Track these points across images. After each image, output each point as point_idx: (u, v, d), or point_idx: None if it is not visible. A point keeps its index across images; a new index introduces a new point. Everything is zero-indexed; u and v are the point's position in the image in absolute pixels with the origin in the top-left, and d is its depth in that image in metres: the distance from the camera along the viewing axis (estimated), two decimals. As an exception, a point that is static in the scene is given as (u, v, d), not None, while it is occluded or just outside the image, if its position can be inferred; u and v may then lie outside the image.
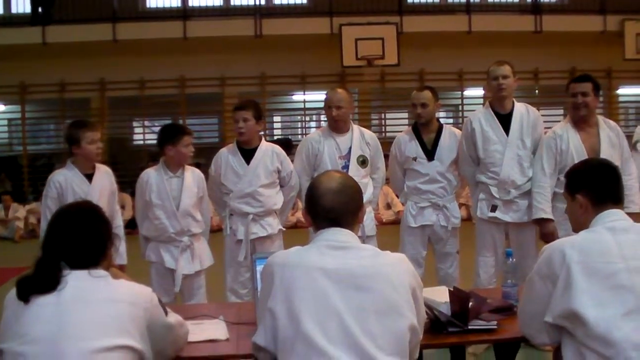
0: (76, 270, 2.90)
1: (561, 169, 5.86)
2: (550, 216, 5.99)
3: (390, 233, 7.41)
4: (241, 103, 6.50)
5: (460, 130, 6.65)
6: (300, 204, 11.77)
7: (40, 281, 2.85)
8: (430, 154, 6.53)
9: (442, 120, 6.84)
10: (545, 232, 6.06)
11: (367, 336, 2.78)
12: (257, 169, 6.31)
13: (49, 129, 21.79)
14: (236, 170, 6.32)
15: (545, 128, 6.40)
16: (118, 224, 6.06)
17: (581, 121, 6.04)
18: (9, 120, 20.53)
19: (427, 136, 6.58)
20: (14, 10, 19.13)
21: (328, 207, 3.02)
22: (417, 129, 6.62)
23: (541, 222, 6.09)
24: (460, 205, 15.37)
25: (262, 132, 6.63)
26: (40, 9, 17.71)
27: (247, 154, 6.33)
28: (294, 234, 6.86)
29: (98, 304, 2.83)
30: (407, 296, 2.91)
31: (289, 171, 6.50)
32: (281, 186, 6.51)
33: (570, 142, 6.00)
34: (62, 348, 2.71)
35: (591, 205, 3.25)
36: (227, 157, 6.38)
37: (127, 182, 13.01)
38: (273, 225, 6.42)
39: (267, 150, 6.38)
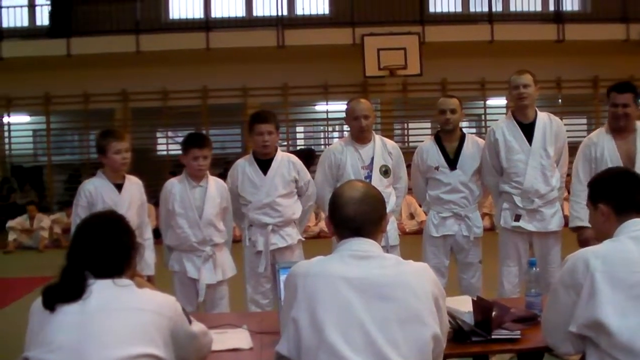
0: (101, 279, 2.91)
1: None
2: (586, 224, 5.96)
3: (413, 243, 7.39)
4: (264, 115, 6.39)
5: (483, 139, 6.63)
6: (323, 214, 11.79)
7: (65, 290, 2.87)
8: (452, 163, 6.52)
9: (464, 130, 6.82)
10: (582, 239, 6.01)
11: (391, 345, 2.78)
12: (275, 179, 6.29)
13: (73, 139, 21.94)
14: (253, 181, 6.31)
15: (569, 137, 6.38)
16: (147, 237, 6.08)
17: (621, 130, 5.99)
18: (34, 131, 20.68)
19: (449, 145, 6.56)
20: (38, 23, 19.26)
21: (351, 216, 3.03)
22: (440, 138, 6.61)
23: (578, 229, 6.05)
24: (484, 215, 15.31)
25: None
26: (60, 21, 17.86)
27: (264, 164, 6.32)
28: (316, 244, 6.87)
29: (122, 312, 2.85)
30: (430, 305, 2.90)
31: (306, 180, 6.49)
32: (299, 196, 6.49)
33: (605, 148, 5.95)
34: (87, 356, 2.72)
35: (614, 215, 3.24)
36: (244, 168, 6.36)
37: (150, 192, 13.10)
38: (292, 235, 6.40)
39: (283, 160, 6.37)
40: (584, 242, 5.89)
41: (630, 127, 6.00)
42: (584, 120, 16.90)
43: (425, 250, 6.65)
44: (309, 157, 15.54)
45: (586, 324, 2.99)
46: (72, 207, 6.01)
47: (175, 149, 17.06)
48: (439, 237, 6.56)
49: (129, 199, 5.91)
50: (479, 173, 6.55)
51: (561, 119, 6.47)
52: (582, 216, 5.95)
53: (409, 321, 2.83)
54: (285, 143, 19.42)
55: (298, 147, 19.88)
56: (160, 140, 21.12)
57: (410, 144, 18.27)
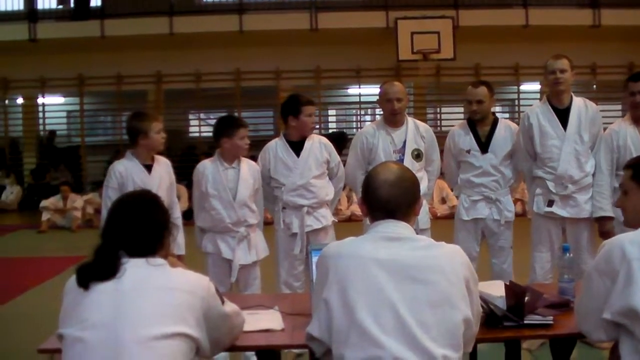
0: (134, 258, 2.93)
1: (619, 165, 5.79)
2: (610, 214, 5.93)
3: (444, 227, 7.36)
4: (310, 98, 6.51)
5: (517, 124, 6.59)
6: (355, 197, 11.79)
7: (99, 268, 2.89)
8: (484, 146, 6.48)
9: (497, 115, 6.77)
10: (604, 230, 6.01)
11: (421, 327, 2.78)
12: (308, 161, 6.31)
13: (106, 120, 22.10)
14: (287, 163, 6.32)
15: (604, 124, 6.32)
16: (176, 215, 6.10)
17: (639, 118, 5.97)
18: (68, 112, 20.89)
19: (482, 129, 6.52)
20: (72, 5, 19.38)
21: (385, 198, 3.03)
22: (472, 122, 6.57)
23: (601, 220, 6.03)
24: (516, 200, 15.23)
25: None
26: (84, 3, 18.03)
27: (296, 146, 6.34)
28: (348, 227, 6.86)
29: (156, 291, 2.87)
30: (461, 288, 2.90)
31: (336, 162, 6.52)
32: (330, 178, 6.51)
33: (628, 137, 5.95)
34: (120, 334, 2.74)
35: None
36: (276, 151, 6.38)
37: (183, 174, 13.18)
38: (327, 216, 6.43)
39: (315, 142, 6.39)
40: (606, 234, 5.88)
41: None
42: (619, 107, 16.67)
43: (456, 234, 6.63)
44: (341, 141, 15.57)
45: (621, 311, 2.96)
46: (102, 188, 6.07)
47: (208, 131, 17.08)
48: (470, 220, 6.54)
49: (159, 179, 5.96)
50: (511, 157, 6.51)
51: (596, 104, 6.41)
52: (604, 206, 5.96)
53: (440, 304, 2.83)
54: (318, 126, 19.42)
55: (330, 131, 19.88)
56: (193, 122, 21.22)
57: (443, 129, 18.19)
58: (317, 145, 6.38)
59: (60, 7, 18.70)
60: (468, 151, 6.51)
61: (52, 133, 20.56)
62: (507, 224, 6.52)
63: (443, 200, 15.43)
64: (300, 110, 6.27)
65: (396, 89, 6.43)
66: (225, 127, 6.03)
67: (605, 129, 6.20)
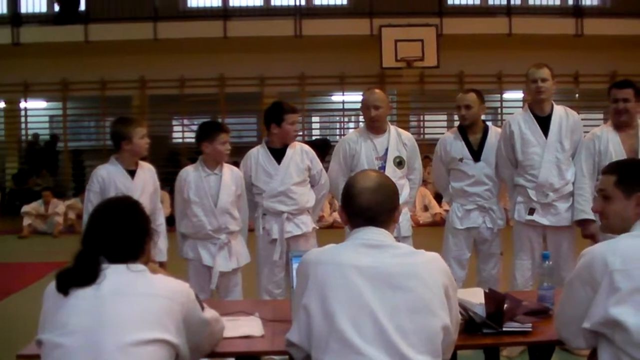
0: (115, 264, 2.93)
1: (599, 170, 5.82)
2: (591, 217, 5.96)
3: (426, 234, 7.40)
4: (293, 106, 6.49)
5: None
6: (337, 204, 11.80)
7: (79, 274, 2.88)
8: (476, 155, 6.50)
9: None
10: (587, 233, 6.06)
11: (401, 335, 2.79)
12: (289, 168, 6.30)
13: (89, 125, 22.02)
14: (267, 170, 6.31)
15: (585, 132, 6.37)
16: (160, 222, 6.13)
17: (622, 125, 6.04)
18: (51, 116, 20.79)
19: (473, 137, 6.55)
20: (56, 9, 19.33)
21: (364, 205, 3.04)
22: (463, 129, 6.60)
23: (583, 223, 6.08)
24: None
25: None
26: (70, 7, 17.99)
27: (277, 153, 6.34)
28: (330, 233, 6.87)
29: (136, 297, 2.86)
30: (440, 296, 2.92)
31: (318, 169, 6.51)
32: (312, 185, 6.51)
33: (610, 142, 6.00)
34: (100, 340, 2.74)
35: None
36: (258, 157, 6.38)
37: (166, 180, 13.15)
38: (307, 223, 6.42)
39: (297, 149, 6.39)
40: (589, 237, 5.93)
41: (633, 123, 6.07)
42: (601, 116, 16.79)
43: (446, 241, 6.64)
44: (324, 148, 15.60)
45: (602, 321, 2.96)
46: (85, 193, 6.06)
47: (192, 137, 17.09)
48: (463, 229, 6.56)
49: (142, 185, 5.94)
50: (498, 166, 6.55)
51: (578, 113, 6.46)
52: (586, 209, 5.98)
53: (419, 311, 2.85)
54: (301, 133, 19.44)
55: (314, 137, 19.89)
56: (176, 128, 21.19)
57: (426, 136, 18.28)
58: (298, 152, 6.38)
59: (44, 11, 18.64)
60: (461, 159, 6.52)
61: (36, 136, 20.50)
62: (498, 231, 6.56)
63: (425, 208, 15.49)
64: (283, 118, 6.26)
65: (375, 97, 6.45)
66: (207, 132, 6.03)
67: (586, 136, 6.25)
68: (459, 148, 6.55)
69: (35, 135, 20.54)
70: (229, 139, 6.03)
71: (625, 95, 5.99)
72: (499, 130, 6.71)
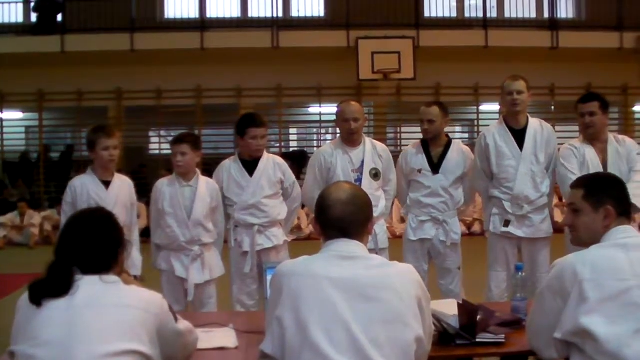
0: (88, 276, 2.92)
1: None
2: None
3: (403, 246, 7.38)
4: (260, 120, 6.40)
5: (474, 146, 6.63)
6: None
7: (52, 285, 2.87)
8: (435, 167, 6.52)
9: (457, 135, 6.89)
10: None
11: (374, 346, 2.80)
12: (261, 180, 6.30)
13: (66, 137, 21.93)
14: (239, 182, 6.32)
15: (560, 144, 6.40)
16: (135, 237, 6.12)
17: (592, 138, 6.06)
18: (27, 127, 20.69)
19: (435, 150, 6.56)
20: (33, 19, 19.26)
21: (337, 217, 3.04)
22: (426, 142, 6.62)
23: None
24: (474, 220, 15.31)
25: (263, 145, 6.49)
26: (47, 18, 17.92)
27: (250, 165, 6.33)
28: (307, 245, 6.88)
29: (109, 309, 2.86)
30: (413, 307, 2.92)
31: (291, 182, 6.52)
32: (284, 197, 6.51)
33: (587, 155, 6.01)
34: (73, 352, 2.73)
35: (615, 218, 3.25)
36: (230, 169, 6.39)
37: (142, 192, 13.12)
38: (278, 236, 6.41)
39: (269, 161, 6.39)
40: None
41: (602, 136, 6.09)
42: (577, 128, 16.84)
43: (405, 254, 6.63)
44: (301, 160, 15.62)
45: (572, 331, 3.00)
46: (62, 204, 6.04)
47: (168, 149, 17.06)
48: (416, 240, 6.55)
49: (116, 197, 5.90)
50: (461, 180, 6.57)
51: (554, 125, 6.51)
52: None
53: (393, 322, 2.85)
54: (278, 145, 19.45)
55: (291, 149, 19.90)
56: (153, 140, 21.14)
57: (403, 148, 18.23)
58: (271, 165, 6.39)
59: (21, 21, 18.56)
60: (419, 171, 6.53)
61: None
62: (453, 245, 6.53)
63: (402, 220, 15.46)
64: (245, 131, 6.27)
65: (353, 109, 6.42)
66: (172, 142, 6.08)
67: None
68: (419, 160, 6.57)
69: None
70: (181, 150, 5.98)
71: (590, 109, 6.02)
72: (463, 146, 6.74)
